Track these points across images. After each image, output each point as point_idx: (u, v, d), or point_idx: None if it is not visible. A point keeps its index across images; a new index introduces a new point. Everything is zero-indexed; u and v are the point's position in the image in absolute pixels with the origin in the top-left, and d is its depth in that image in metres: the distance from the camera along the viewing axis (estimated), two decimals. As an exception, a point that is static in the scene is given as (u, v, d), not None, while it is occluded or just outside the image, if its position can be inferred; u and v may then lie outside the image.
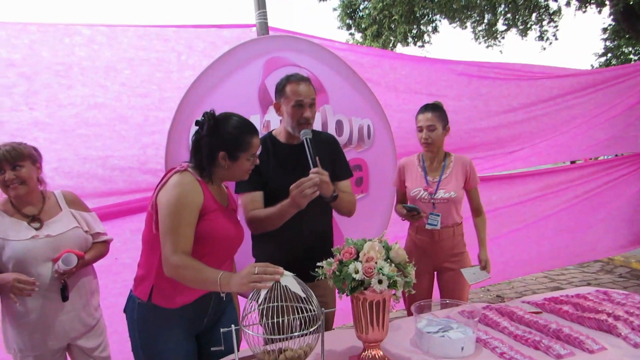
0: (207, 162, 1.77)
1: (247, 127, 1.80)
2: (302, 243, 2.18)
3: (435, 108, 2.65)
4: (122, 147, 2.74)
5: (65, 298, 2.04)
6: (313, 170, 2.03)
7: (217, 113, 1.80)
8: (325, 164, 2.16)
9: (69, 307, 2.08)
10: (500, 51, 15.70)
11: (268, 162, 2.21)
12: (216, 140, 1.75)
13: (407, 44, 13.16)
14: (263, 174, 2.18)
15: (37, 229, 2.03)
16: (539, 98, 4.50)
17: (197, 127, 1.79)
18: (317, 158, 2.07)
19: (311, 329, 1.47)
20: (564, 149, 4.76)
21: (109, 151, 2.69)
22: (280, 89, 2.21)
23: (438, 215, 2.65)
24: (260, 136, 2.54)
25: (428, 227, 2.66)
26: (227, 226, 1.82)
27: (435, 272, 2.79)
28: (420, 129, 2.64)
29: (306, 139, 2.11)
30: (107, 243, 2.26)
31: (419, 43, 13.35)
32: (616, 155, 5.21)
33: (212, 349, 1.60)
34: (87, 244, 2.16)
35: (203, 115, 1.76)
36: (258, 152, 1.87)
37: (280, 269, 1.51)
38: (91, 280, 2.21)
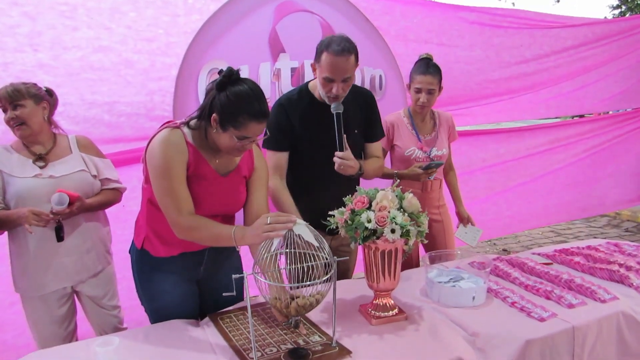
0: (203, 114, 1.63)
1: (250, 105, 1.55)
2: (326, 208, 1.94)
3: (436, 70, 2.50)
4: (129, 93, 2.68)
5: (59, 238, 2.01)
6: (338, 154, 1.97)
7: (218, 63, 1.65)
8: (359, 125, 2.14)
9: (71, 250, 2.07)
10: (513, 3, 15.23)
11: (303, 123, 2.11)
12: (218, 98, 1.57)
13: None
14: (297, 130, 2.09)
15: (41, 168, 2.01)
16: (552, 49, 4.39)
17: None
18: (344, 137, 1.99)
19: (323, 278, 1.46)
20: (575, 102, 4.68)
21: (115, 96, 2.63)
22: (318, 52, 2.01)
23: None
24: (270, 88, 2.46)
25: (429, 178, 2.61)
26: (213, 195, 1.70)
27: None
28: (418, 90, 2.50)
29: (336, 114, 1.99)
30: (118, 191, 2.22)
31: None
32: (626, 110, 5.13)
33: (223, 294, 1.60)
34: (94, 189, 2.13)
35: (228, 69, 1.58)
36: (257, 138, 1.65)
37: (293, 217, 1.48)
38: (99, 227, 2.19)
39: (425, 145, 2.57)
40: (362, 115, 2.18)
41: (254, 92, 1.57)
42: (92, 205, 2.07)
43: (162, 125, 1.68)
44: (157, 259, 1.77)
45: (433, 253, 1.95)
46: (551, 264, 2.14)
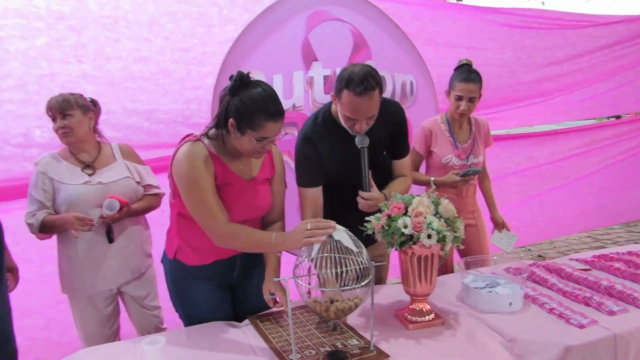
0: (220, 122, 1.64)
1: (265, 106, 1.57)
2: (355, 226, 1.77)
3: (477, 77, 2.50)
4: (166, 101, 2.77)
5: (111, 240, 2.12)
6: (362, 194, 1.86)
7: (255, 74, 1.66)
8: (387, 144, 2.03)
9: (117, 252, 2.15)
10: (542, 2, 14.97)
11: (331, 154, 1.97)
12: (232, 103, 1.58)
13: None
14: (327, 162, 1.97)
15: (89, 175, 2.10)
16: (585, 49, 4.32)
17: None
18: (369, 173, 1.87)
19: (362, 283, 1.49)
20: (611, 102, 4.59)
21: (153, 105, 2.72)
22: (338, 88, 1.82)
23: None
24: (304, 96, 2.43)
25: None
26: (241, 201, 1.72)
27: None
28: (459, 98, 2.47)
29: (361, 149, 1.85)
30: (158, 196, 2.31)
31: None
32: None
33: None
34: (137, 195, 2.22)
35: (238, 73, 1.60)
36: (276, 138, 1.65)
37: (333, 223, 1.51)
38: (142, 230, 2.28)
39: (463, 153, 2.57)
40: (389, 134, 2.04)
41: (267, 92, 1.59)
42: (137, 210, 2.17)
43: (182, 140, 1.71)
44: (191, 268, 1.82)
45: (468, 259, 1.96)
46: (590, 270, 2.12)
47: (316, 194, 1.98)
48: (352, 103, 1.76)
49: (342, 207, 1.89)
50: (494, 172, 4.02)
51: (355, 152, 1.87)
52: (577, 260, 2.24)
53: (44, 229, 2.07)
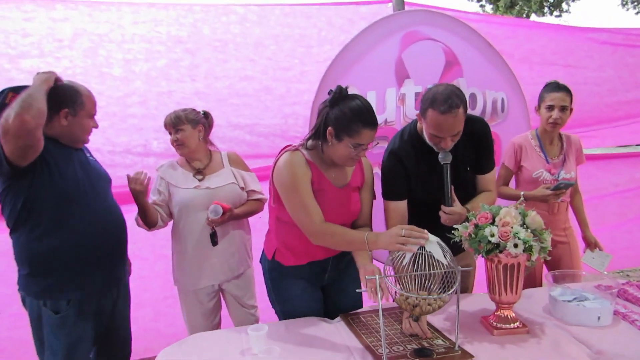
0: (318, 131, 1.81)
1: (363, 115, 1.72)
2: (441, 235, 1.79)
3: (567, 89, 2.53)
4: (267, 116, 3.01)
5: (214, 243, 2.32)
6: (445, 209, 1.91)
7: (351, 90, 1.79)
8: (471, 161, 2.08)
9: (219, 252, 2.35)
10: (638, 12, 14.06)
11: (417, 171, 2.04)
12: (332, 113, 1.75)
13: (543, 14, 12.31)
14: (412, 178, 2.04)
15: (200, 180, 2.35)
16: (699, 66, 4.09)
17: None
18: (451, 188, 1.93)
19: (448, 292, 1.56)
20: None
21: (255, 119, 2.98)
22: (422, 108, 1.90)
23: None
24: (396, 112, 2.54)
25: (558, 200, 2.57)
26: (333, 207, 1.84)
27: None
28: (550, 108, 2.51)
29: (444, 165, 1.91)
30: (261, 201, 2.48)
31: (556, 12, 12.42)
32: None
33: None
34: (241, 200, 2.42)
35: (338, 86, 1.78)
36: (369, 147, 1.78)
37: (426, 234, 1.60)
38: (243, 234, 2.47)
39: (554, 168, 2.58)
40: (474, 151, 2.08)
41: (364, 104, 1.76)
42: (239, 214, 2.36)
43: (282, 150, 1.89)
44: (288, 268, 1.98)
45: (557, 272, 1.97)
46: (688, 292, 2.05)
47: (401, 207, 2.05)
48: (437, 121, 1.83)
49: (425, 224, 1.85)
50: (589, 192, 3.90)
51: (439, 169, 1.94)
52: (675, 282, 2.16)
53: (143, 219, 2.31)
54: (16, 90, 1.81)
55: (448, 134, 1.86)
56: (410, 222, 2.02)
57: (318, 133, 1.82)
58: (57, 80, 1.91)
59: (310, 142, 1.87)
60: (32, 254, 1.89)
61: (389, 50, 2.81)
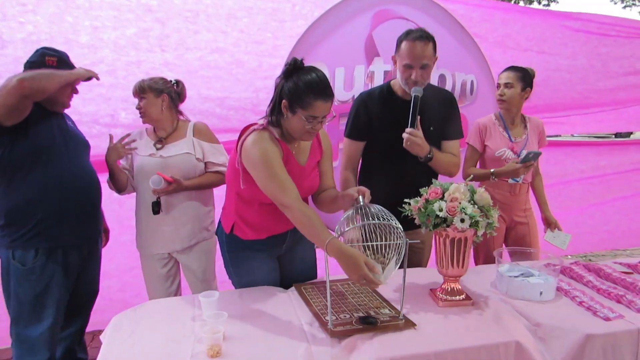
0: (274, 104, 1.79)
1: (316, 88, 1.71)
2: (400, 198, 1.94)
3: (518, 70, 2.66)
4: (238, 90, 3.01)
5: (155, 212, 2.31)
6: (407, 130, 2.09)
7: (319, 65, 1.82)
8: (436, 123, 2.23)
9: (170, 222, 2.36)
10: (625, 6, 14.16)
11: (381, 114, 2.26)
12: (286, 86, 1.74)
13: (531, 2, 12.31)
14: (373, 124, 2.26)
15: (158, 149, 2.36)
16: (669, 59, 4.16)
17: None
18: (418, 118, 2.10)
19: (394, 256, 1.62)
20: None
21: (226, 92, 2.97)
22: (398, 43, 2.17)
23: None
24: (364, 89, 2.62)
25: (512, 181, 2.68)
26: (298, 186, 1.80)
27: (505, 228, 2.80)
28: (498, 86, 2.69)
29: (414, 96, 2.11)
30: (220, 174, 2.44)
31: (544, 1, 12.44)
32: None
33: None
34: (196, 171, 2.38)
35: (292, 58, 1.76)
36: (326, 119, 1.79)
37: (382, 280, 1.57)
38: (199, 206, 2.42)
39: (516, 146, 2.66)
40: (439, 114, 2.26)
41: (319, 75, 1.74)
42: (189, 186, 2.33)
43: (246, 129, 1.85)
44: (246, 241, 1.99)
45: (507, 249, 2.04)
46: (632, 273, 2.12)
47: (357, 147, 2.32)
48: (410, 47, 2.10)
49: (389, 182, 2.20)
50: (556, 177, 3.99)
51: (403, 122, 2.11)
52: (620, 263, 2.25)
53: (113, 182, 2.41)
54: (50, 54, 2.06)
55: (419, 62, 2.10)
56: (375, 172, 2.30)
57: (274, 107, 1.81)
58: (92, 78, 2.14)
59: (273, 118, 1.85)
60: (7, 206, 2.02)
61: (359, 27, 2.83)
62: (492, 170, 2.59)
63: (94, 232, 2.27)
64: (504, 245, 2.80)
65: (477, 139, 2.71)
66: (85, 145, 2.26)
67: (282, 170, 1.76)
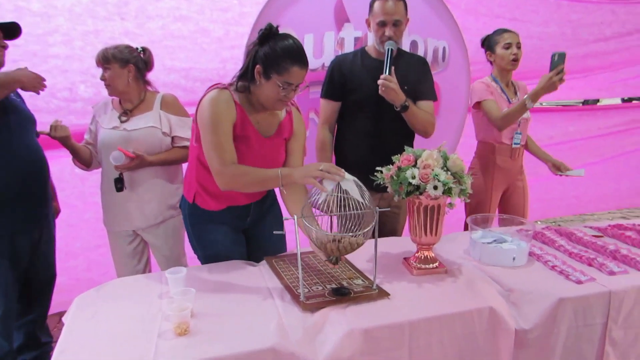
0: (247, 70, 1.74)
1: (293, 54, 1.68)
2: (377, 159, 1.94)
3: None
4: (204, 60, 2.90)
5: (118, 189, 2.22)
6: (382, 76, 2.16)
7: (287, 31, 1.76)
8: (410, 84, 2.28)
9: (134, 198, 2.26)
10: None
11: (354, 73, 2.34)
12: (261, 51, 1.69)
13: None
14: (347, 84, 2.34)
15: (123, 122, 2.24)
16: (635, 27, 4.19)
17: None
18: (392, 68, 2.17)
19: (365, 229, 1.56)
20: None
21: (191, 63, 2.86)
22: (371, 4, 2.29)
23: (520, 134, 2.78)
24: (336, 54, 2.56)
25: (515, 145, 2.75)
26: (253, 156, 1.80)
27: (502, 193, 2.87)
28: (508, 46, 2.64)
29: (388, 49, 2.19)
30: (187, 149, 2.29)
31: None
32: None
33: (274, 232, 1.75)
34: (162, 145, 2.27)
35: (267, 24, 1.71)
36: (299, 88, 1.75)
37: (342, 172, 1.57)
38: (163, 183, 2.32)
39: None
40: (413, 75, 2.33)
41: (296, 42, 1.71)
42: (154, 162, 2.22)
43: (210, 87, 1.80)
44: (209, 212, 1.93)
45: (479, 216, 2.02)
46: (602, 236, 2.14)
47: (333, 107, 2.40)
48: (382, 6, 2.22)
49: (361, 133, 2.34)
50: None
51: (377, 79, 2.17)
52: (591, 227, 2.26)
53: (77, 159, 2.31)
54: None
55: (391, 17, 2.21)
56: (350, 135, 2.40)
57: (246, 73, 1.74)
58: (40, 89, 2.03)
59: (240, 84, 1.79)
60: None
61: (328, -8, 2.74)
62: (525, 96, 2.48)
63: (43, 214, 2.14)
64: (497, 210, 2.87)
65: (487, 93, 2.67)
66: (31, 121, 2.11)
67: (225, 135, 1.72)
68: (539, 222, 2.99)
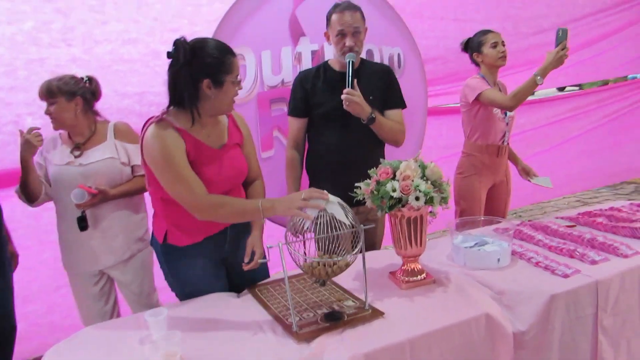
0: (189, 96, 1.62)
1: (227, 48, 1.66)
2: (349, 172, 2.00)
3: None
4: (157, 83, 2.77)
5: (82, 228, 2.08)
6: (345, 90, 2.13)
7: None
8: (376, 93, 2.29)
9: (98, 235, 2.14)
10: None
11: (318, 88, 2.33)
12: (197, 66, 1.59)
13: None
14: (311, 99, 2.33)
15: (76, 157, 2.11)
16: (571, 17, 4.36)
17: (171, 60, 1.61)
18: (354, 81, 2.15)
19: (353, 252, 1.53)
20: (595, 69, 4.66)
21: (144, 87, 2.74)
22: (327, 17, 2.29)
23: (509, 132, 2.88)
24: (292, 71, 2.60)
25: (505, 143, 2.85)
26: (219, 171, 1.74)
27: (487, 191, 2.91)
28: (495, 45, 2.73)
29: (349, 61, 2.18)
30: None
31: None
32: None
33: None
34: (122, 176, 2.16)
35: (174, 44, 1.59)
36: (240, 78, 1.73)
37: (326, 194, 1.53)
38: (129, 215, 2.22)
39: None
40: (377, 84, 2.34)
41: (211, 38, 1.74)
42: (116, 195, 2.11)
43: (144, 125, 1.69)
44: (183, 248, 1.82)
45: (458, 221, 2.03)
46: (574, 226, 2.20)
47: (299, 125, 2.40)
48: (339, 18, 2.22)
49: (331, 147, 2.32)
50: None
51: (341, 92, 2.14)
52: (562, 218, 2.32)
53: (23, 190, 2.13)
54: None
55: (350, 28, 2.21)
56: (320, 152, 2.38)
57: (183, 99, 1.63)
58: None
59: (174, 110, 1.69)
60: None
61: (281, 6, 2.69)
62: (535, 72, 2.50)
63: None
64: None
65: (486, 85, 2.71)
66: None
67: (185, 167, 1.63)
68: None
